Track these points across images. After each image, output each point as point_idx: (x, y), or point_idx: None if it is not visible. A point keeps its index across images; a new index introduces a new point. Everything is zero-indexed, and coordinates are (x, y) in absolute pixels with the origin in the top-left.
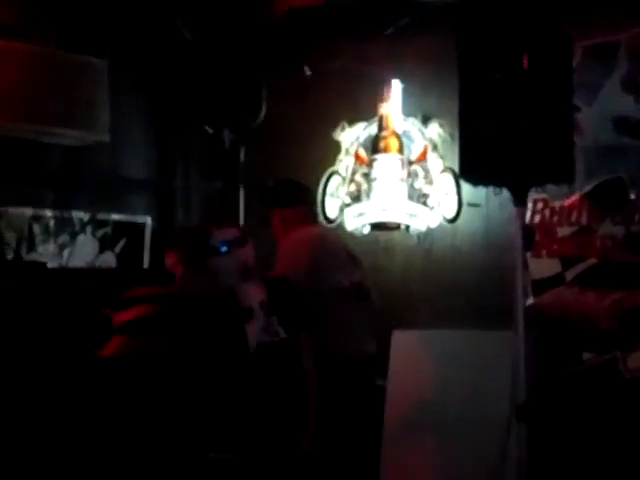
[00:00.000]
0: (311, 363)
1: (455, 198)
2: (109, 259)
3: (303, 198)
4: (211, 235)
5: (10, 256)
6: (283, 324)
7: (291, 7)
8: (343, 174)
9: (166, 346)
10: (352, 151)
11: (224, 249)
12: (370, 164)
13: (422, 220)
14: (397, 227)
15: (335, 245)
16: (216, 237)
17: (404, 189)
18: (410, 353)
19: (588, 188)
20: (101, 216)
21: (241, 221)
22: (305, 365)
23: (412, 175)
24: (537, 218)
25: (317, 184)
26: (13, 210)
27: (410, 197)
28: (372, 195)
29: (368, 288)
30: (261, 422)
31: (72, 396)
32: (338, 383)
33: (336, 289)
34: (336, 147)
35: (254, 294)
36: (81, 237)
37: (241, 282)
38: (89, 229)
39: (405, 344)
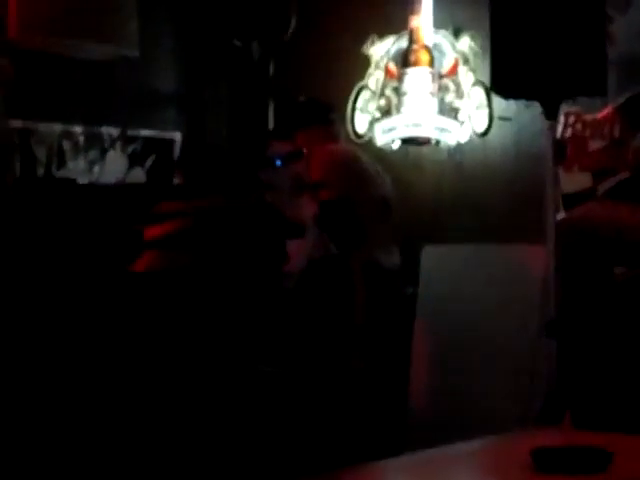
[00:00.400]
0: (360, 279)
1: (486, 112)
2: (139, 175)
3: (322, 118)
4: (269, 147)
5: (40, 172)
6: (334, 241)
7: None
8: (373, 88)
9: (197, 261)
10: (382, 65)
11: (278, 163)
12: (400, 78)
13: (453, 134)
14: (427, 142)
15: (363, 160)
16: (274, 149)
17: (435, 103)
18: (441, 267)
19: (621, 101)
20: (131, 132)
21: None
22: (355, 281)
23: (443, 89)
24: (569, 131)
25: (347, 99)
26: (42, 126)
27: (441, 111)
28: (402, 109)
29: (392, 203)
30: (309, 338)
31: (105, 312)
32: (376, 295)
33: (371, 203)
34: (366, 61)
35: (307, 209)
36: (111, 153)
37: (294, 196)
38: (119, 145)
39: (436, 258)
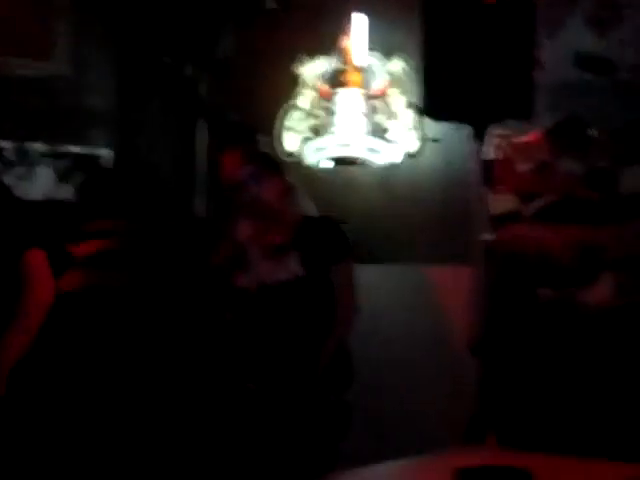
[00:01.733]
0: (343, 295)
1: (417, 133)
2: (67, 191)
3: (248, 138)
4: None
5: None
6: (316, 257)
7: None
8: (304, 108)
9: (125, 279)
10: (313, 85)
11: (253, 183)
12: (331, 98)
13: (382, 155)
14: (357, 162)
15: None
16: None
17: (365, 124)
18: (369, 287)
19: (549, 124)
20: (60, 148)
21: (201, 155)
22: (338, 297)
23: (373, 110)
24: (497, 154)
25: (277, 117)
26: None
27: (371, 132)
28: (333, 129)
29: None
30: (280, 354)
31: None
32: None
33: None
34: (298, 81)
35: (245, 230)
36: (39, 169)
37: (243, 217)
38: (48, 161)
39: (364, 278)
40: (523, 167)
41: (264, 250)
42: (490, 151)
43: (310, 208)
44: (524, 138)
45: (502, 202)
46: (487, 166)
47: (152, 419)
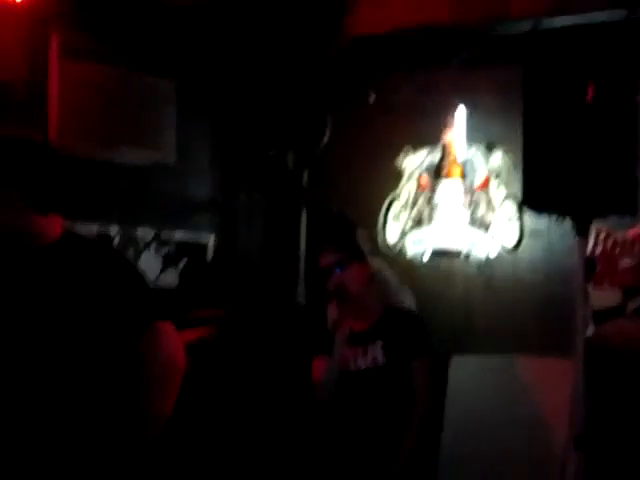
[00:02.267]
0: (426, 386)
1: (517, 226)
2: (172, 276)
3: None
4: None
5: None
6: (392, 349)
7: (357, 34)
8: (405, 199)
9: (223, 367)
10: (414, 177)
11: (337, 270)
12: (432, 189)
13: (483, 247)
14: (458, 255)
15: (386, 273)
16: (327, 258)
17: (466, 215)
18: (468, 378)
19: None
20: (165, 235)
21: (302, 244)
22: (416, 387)
23: (474, 203)
24: (599, 249)
25: (378, 210)
26: (80, 226)
27: (472, 224)
28: (433, 221)
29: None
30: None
31: None
32: None
33: None
34: (399, 174)
35: (330, 316)
36: (145, 254)
37: (330, 303)
38: (153, 246)
39: (464, 369)
40: (626, 262)
41: (347, 336)
42: (593, 246)
43: (407, 299)
44: (627, 233)
45: (605, 297)
46: (589, 260)
47: None
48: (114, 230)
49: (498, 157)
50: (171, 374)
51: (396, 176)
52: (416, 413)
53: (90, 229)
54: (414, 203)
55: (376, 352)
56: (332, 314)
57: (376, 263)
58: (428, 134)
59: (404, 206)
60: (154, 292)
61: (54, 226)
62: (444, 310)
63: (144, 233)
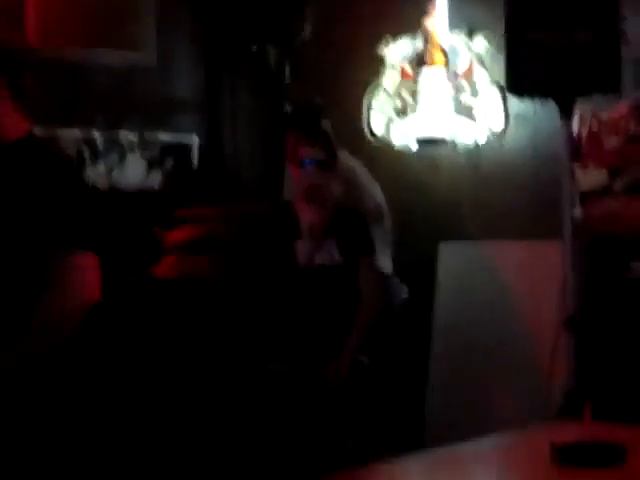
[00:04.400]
0: (370, 285)
1: (502, 111)
2: (157, 178)
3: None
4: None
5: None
6: (343, 248)
7: None
8: (388, 89)
9: (215, 264)
10: (397, 66)
11: (307, 162)
12: (415, 78)
13: (469, 134)
14: (443, 142)
15: (357, 171)
16: (305, 152)
17: (451, 103)
18: (457, 264)
19: (635, 97)
20: (149, 136)
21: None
22: (361, 287)
23: (458, 89)
24: (584, 129)
25: (361, 100)
26: (62, 131)
27: (457, 111)
28: (418, 109)
29: (384, 209)
30: (311, 337)
31: (127, 313)
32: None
33: (367, 211)
34: (380, 61)
35: (306, 216)
36: (129, 157)
37: (301, 201)
38: (137, 149)
39: (452, 255)
40: (611, 141)
41: (309, 230)
42: (578, 127)
43: (377, 194)
44: (612, 112)
45: (591, 177)
46: (574, 142)
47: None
48: (97, 135)
49: (480, 42)
50: (68, 313)
51: (377, 64)
52: (361, 311)
53: (73, 134)
54: (398, 93)
55: (332, 250)
56: (309, 217)
57: (344, 156)
58: (409, 21)
59: (388, 96)
60: (90, 220)
61: (15, 128)
62: (433, 198)
63: (128, 136)
